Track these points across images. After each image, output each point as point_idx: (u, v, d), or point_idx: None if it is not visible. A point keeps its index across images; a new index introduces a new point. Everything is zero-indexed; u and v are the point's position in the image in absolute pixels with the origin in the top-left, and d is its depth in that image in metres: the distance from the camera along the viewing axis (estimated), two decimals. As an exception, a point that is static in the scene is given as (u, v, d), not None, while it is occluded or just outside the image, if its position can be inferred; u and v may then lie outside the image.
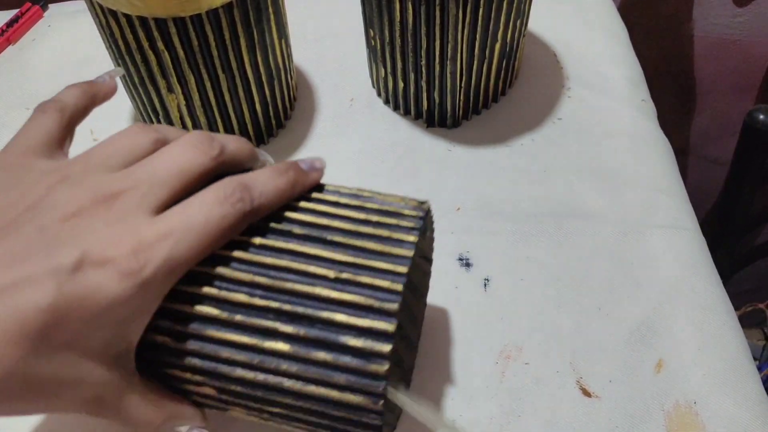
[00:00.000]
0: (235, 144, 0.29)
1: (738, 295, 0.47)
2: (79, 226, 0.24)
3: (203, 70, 0.40)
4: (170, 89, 0.41)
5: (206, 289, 0.27)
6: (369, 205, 0.29)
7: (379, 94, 0.50)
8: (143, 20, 0.37)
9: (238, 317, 0.27)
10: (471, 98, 0.47)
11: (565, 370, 0.37)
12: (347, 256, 0.27)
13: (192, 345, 0.27)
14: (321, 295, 0.27)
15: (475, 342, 0.38)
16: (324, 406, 0.27)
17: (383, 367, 0.26)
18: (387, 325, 0.26)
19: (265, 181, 0.28)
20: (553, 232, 0.42)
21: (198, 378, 0.28)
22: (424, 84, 0.45)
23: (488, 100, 0.49)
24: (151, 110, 0.44)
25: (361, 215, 0.29)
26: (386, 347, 0.26)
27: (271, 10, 0.41)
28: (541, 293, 0.40)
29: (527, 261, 0.41)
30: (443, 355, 0.37)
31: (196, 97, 0.42)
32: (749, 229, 0.85)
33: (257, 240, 0.28)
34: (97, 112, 0.50)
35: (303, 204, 0.29)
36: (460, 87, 0.45)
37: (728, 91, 0.84)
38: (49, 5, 0.59)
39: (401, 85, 0.47)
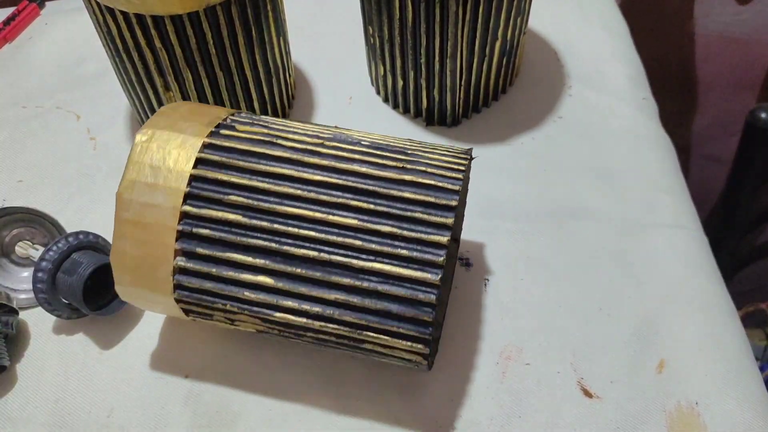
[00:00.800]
0: None
1: (740, 295, 0.47)
2: None
3: (201, 69, 0.40)
4: (167, 87, 0.41)
5: (283, 171, 0.30)
6: (422, 141, 0.34)
7: (378, 92, 0.50)
8: (140, 18, 0.37)
9: (312, 194, 0.30)
10: (471, 96, 0.46)
11: (566, 371, 0.36)
12: (410, 158, 0.31)
13: (263, 221, 0.30)
14: (389, 177, 0.30)
15: (476, 342, 0.37)
16: (382, 284, 0.29)
17: (444, 237, 0.29)
18: (449, 201, 0.30)
19: None
20: (554, 232, 0.42)
21: (260, 262, 0.30)
22: (423, 82, 0.45)
23: (488, 99, 0.48)
24: (148, 108, 0.44)
25: (416, 144, 0.33)
26: (449, 219, 0.29)
27: (269, 7, 0.41)
28: (541, 293, 0.39)
29: (527, 261, 0.41)
30: (444, 355, 0.37)
31: (193, 95, 0.41)
32: (751, 229, 0.85)
33: (330, 143, 0.32)
34: (93, 111, 0.50)
35: (363, 135, 0.33)
36: (460, 85, 0.45)
37: (730, 90, 0.84)
38: (46, 3, 0.59)
39: (400, 83, 0.46)
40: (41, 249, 0.39)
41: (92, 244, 0.38)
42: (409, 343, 0.30)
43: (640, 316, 0.38)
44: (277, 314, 0.30)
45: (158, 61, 0.39)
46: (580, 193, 0.44)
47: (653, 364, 0.36)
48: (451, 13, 0.40)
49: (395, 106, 0.49)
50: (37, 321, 0.39)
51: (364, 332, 0.30)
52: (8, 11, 0.57)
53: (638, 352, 0.37)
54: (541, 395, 0.36)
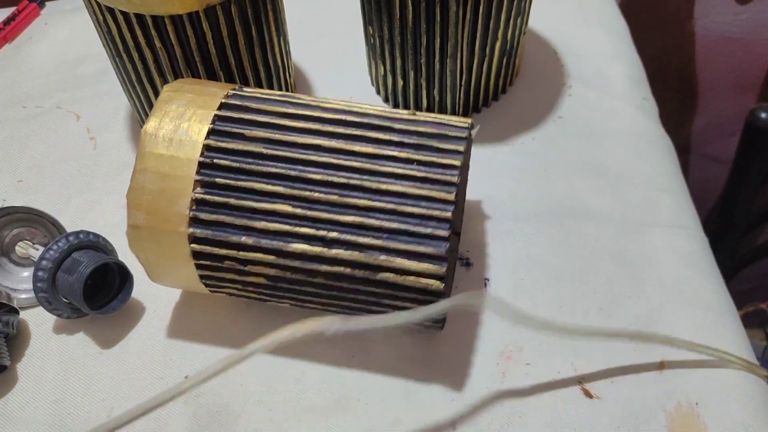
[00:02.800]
0: None
1: (740, 295, 0.47)
2: None
3: (201, 69, 0.40)
4: (168, 87, 0.41)
5: (302, 111, 0.33)
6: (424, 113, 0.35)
7: (378, 92, 0.50)
8: (140, 18, 0.37)
9: (330, 128, 0.32)
10: (471, 96, 0.46)
11: (566, 371, 0.36)
12: (415, 123, 0.33)
13: (282, 151, 0.32)
14: (403, 117, 0.33)
15: (476, 342, 0.37)
16: (398, 204, 0.30)
17: (458, 160, 0.31)
18: (461, 133, 0.32)
19: None
20: (554, 232, 0.42)
21: (278, 189, 0.31)
22: (423, 82, 0.45)
23: (488, 99, 0.48)
24: (148, 108, 0.44)
25: (419, 114, 0.34)
26: (461, 146, 0.32)
27: (269, 7, 0.41)
28: (541, 293, 0.39)
29: (527, 261, 0.41)
30: (444, 355, 0.37)
31: (193, 95, 0.41)
32: (751, 228, 0.85)
33: (345, 101, 0.35)
34: (93, 111, 0.50)
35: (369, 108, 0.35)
36: (460, 85, 0.45)
37: (730, 90, 0.84)
38: (46, 3, 0.59)
39: (400, 83, 0.46)
40: (41, 249, 0.39)
41: (92, 243, 0.38)
42: (425, 265, 0.30)
43: (640, 316, 0.38)
44: (293, 245, 0.31)
45: (158, 61, 0.39)
46: (580, 193, 0.44)
47: (653, 364, 0.36)
48: (452, 13, 0.40)
49: (395, 106, 0.49)
50: (38, 321, 0.39)
51: (380, 257, 0.31)
52: (8, 11, 0.57)
53: (638, 353, 0.37)
54: (541, 395, 0.36)
